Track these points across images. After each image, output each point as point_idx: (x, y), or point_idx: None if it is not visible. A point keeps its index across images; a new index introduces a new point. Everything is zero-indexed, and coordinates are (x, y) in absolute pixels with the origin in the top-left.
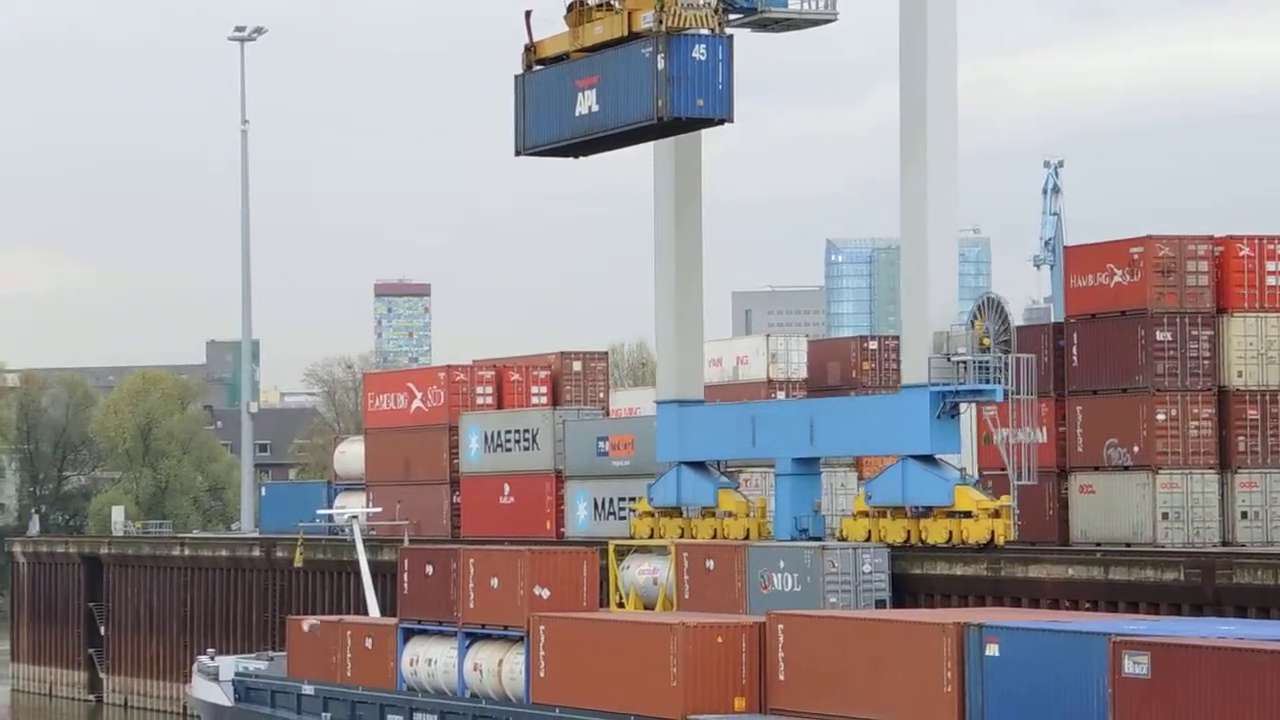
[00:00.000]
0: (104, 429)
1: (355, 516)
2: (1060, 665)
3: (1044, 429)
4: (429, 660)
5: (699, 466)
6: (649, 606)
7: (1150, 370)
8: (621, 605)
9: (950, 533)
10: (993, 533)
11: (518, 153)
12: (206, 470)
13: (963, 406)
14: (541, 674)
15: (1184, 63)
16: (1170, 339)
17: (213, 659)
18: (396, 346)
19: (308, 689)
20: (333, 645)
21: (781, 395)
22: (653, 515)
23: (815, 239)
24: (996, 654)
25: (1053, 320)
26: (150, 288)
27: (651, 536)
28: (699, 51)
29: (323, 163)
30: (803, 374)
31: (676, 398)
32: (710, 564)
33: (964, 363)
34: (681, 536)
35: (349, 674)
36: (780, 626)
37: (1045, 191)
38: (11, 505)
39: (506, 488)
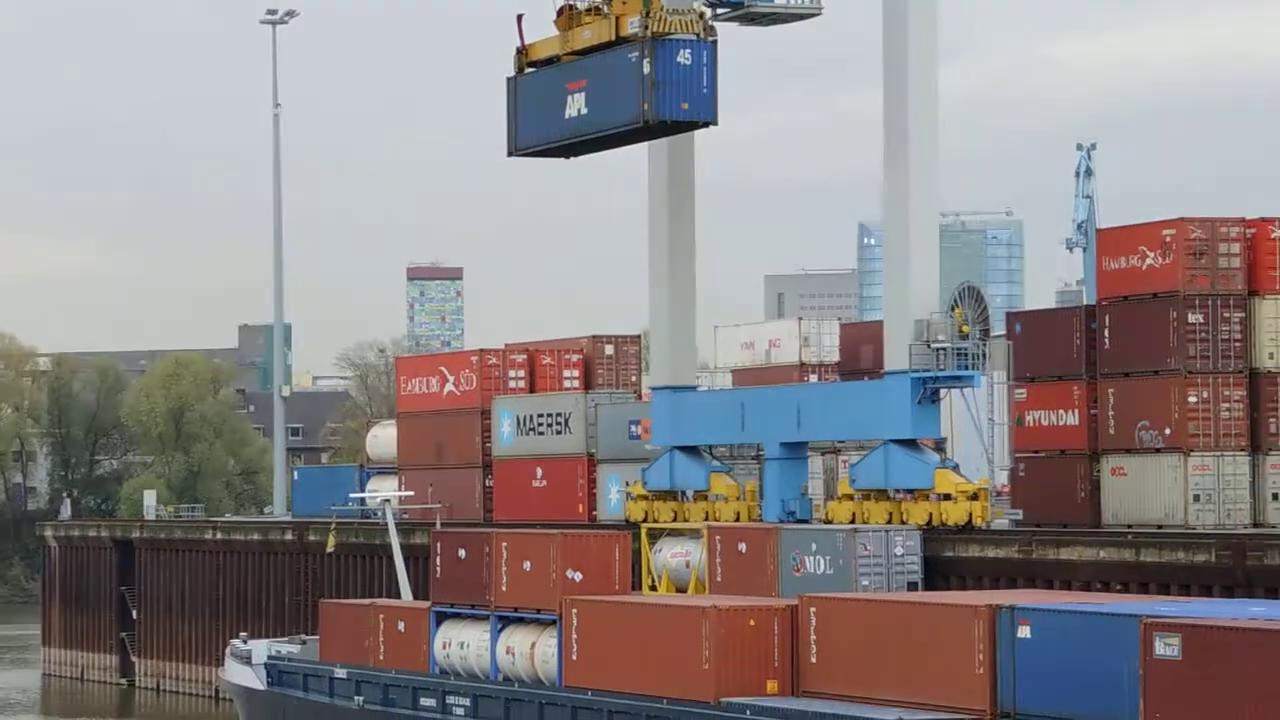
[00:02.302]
0: (136, 413)
1: (388, 500)
2: (1092, 647)
3: (1076, 411)
4: (461, 644)
5: (691, 451)
6: (681, 589)
7: (1182, 352)
8: (654, 588)
9: (930, 514)
10: (970, 514)
11: (510, 153)
12: (239, 454)
13: (943, 392)
14: (574, 657)
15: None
16: (1202, 321)
17: (245, 642)
18: (429, 330)
19: (340, 672)
20: (366, 629)
21: (814, 379)
22: (646, 498)
23: (848, 222)
24: (1028, 636)
25: (1085, 303)
26: (182, 271)
27: (645, 520)
28: (683, 56)
29: (357, 147)
30: (835, 357)
31: (670, 384)
32: (742, 547)
33: (943, 349)
34: (674, 520)
35: (381, 657)
36: (812, 609)
37: (1078, 174)
38: (43, 489)
39: (539, 471)
